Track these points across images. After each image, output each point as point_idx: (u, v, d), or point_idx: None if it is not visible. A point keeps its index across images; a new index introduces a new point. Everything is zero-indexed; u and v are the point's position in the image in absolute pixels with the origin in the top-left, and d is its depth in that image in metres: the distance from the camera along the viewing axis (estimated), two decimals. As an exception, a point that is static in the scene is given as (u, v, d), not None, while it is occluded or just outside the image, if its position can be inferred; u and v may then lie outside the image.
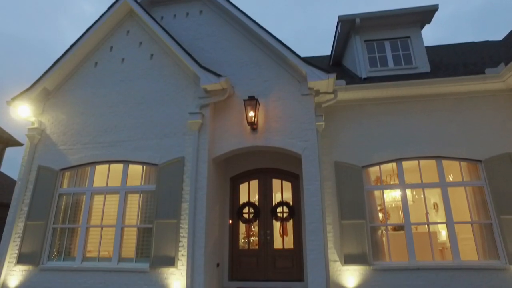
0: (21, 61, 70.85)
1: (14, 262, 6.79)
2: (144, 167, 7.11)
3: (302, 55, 6.89)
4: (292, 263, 7.31)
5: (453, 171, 7.49)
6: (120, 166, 7.19)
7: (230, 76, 7.24)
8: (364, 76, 8.01)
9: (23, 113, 7.68)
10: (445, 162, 6.95)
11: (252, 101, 6.77)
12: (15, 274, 6.73)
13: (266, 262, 7.40)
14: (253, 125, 6.80)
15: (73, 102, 7.83)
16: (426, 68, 7.96)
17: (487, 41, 11.03)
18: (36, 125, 7.67)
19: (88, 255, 6.88)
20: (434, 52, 9.90)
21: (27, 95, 7.66)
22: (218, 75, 6.84)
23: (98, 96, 7.73)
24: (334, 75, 6.62)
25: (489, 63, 7.81)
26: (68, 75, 8.09)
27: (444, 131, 7.01)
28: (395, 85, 7.14)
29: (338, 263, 6.43)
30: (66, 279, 6.53)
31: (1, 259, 6.78)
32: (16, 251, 6.84)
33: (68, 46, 8.02)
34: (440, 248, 8.26)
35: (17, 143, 14.27)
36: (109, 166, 7.29)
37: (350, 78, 8.03)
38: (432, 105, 7.23)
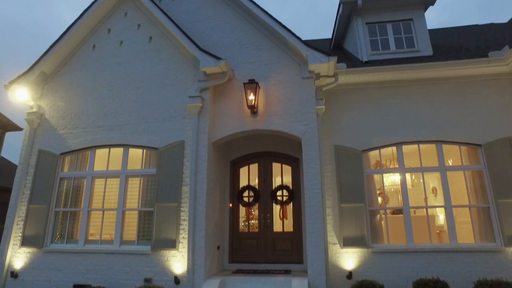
0: (18, 44, 70.00)
1: (19, 244, 6.89)
2: (144, 151, 7.12)
3: (303, 39, 6.79)
4: (292, 245, 7.42)
5: (453, 156, 7.51)
6: (120, 150, 7.20)
7: (230, 59, 7.16)
8: (365, 59, 7.93)
9: (21, 97, 7.62)
10: (445, 147, 6.96)
11: (252, 85, 6.72)
12: (20, 256, 6.84)
13: (266, 245, 7.50)
14: (253, 109, 6.77)
15: (72, 85, 7.77)
16: (429, 51, 7.87)
17: (492, 24, 10.85)
18: (35, 109, 7.64)
19: (90, 238, 6.98)
20: (437, 35, 9.77)
21: (25, 79, 7.59)
22: (218, 58, 6.77)
23: (97, 79, 7.66)
24: (335, 58, 6.55)
25: (493, 46, 7.71)
26: (66, 58, 8.00)
27: (445, 115, 6.99)
28: (396, 69, 7.07)
29: (337, 246, 6.53)
30: (70, 261, 6.64)
31: (6, 242, 6.89)
32: (20, 234, 6.94)
33: (65, 29, 7.91)
34: (438, 231, 8.37)
35: (17, 128, 14.27)
36: (109, 150, 7.30)
37: (351, 61, 7.94)
38: (434, 89, 7.18)
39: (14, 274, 6.70)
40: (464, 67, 6.91)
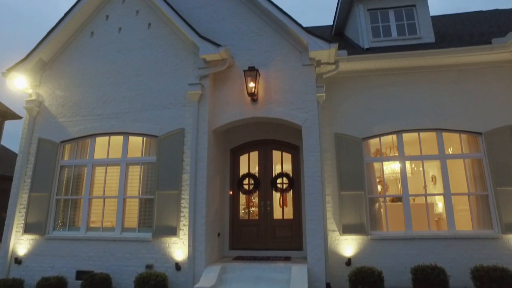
0: (15, 31, 69.15)
1: (21, 231, 6.97)
2: (144, 138, 7.12)
3: (303, 26, 6.70)
4: (292, 232, 7.49)
5: (453, 144, 7.50)
6: (120, 138, 7.19)
7: (230, 46, 7.08)
8: (366, 46, 7.84)
9: (20, 85, 7.57)
10: (445, 135, 6.95)
11: (252, 72, 6.67)
12: (23, 243, 6.92)
13: (266, 232, 7.57)
14: (253, 96, 6.74)
15: (70, 73, 7.71)
16: (431, 38, 7.77)
17: (497, 10, 10.68)
18: (33, 97, 7.60)
19: (92, 225, 7.05)
20: (440, 21, 9.63)
21: (23, 66, 7.53)
22: (218, 45, 6.70)
23: (96, 67, 7.60)
24: (336, 45, 6.48)
25: (497, 32, 7.61)
26: (64, 45, 7.92)
27: (446, 103, 6.96)
28: (397, 56, 7.00)
29: (337, 233, 6.59)
30: (72, 248, 6.71)
31: (8, 229, 6.96)
32: (22, 221, 7.00)
33: (62, 15, 7.79)
34: (437, 219, 8.43)
35: (16, 116, 14.24)
36: (109, 138, 7.30)
37: (352, 48, 7.86)
38: (435, 77, 7.12)
39: (18, 260, 6.80)
40: (466, 54, 6.84)
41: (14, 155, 13.88)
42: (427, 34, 7.81)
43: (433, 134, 6.98)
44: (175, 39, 7.32)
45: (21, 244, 6.92)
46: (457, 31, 8.53)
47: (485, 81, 6.95)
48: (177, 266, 6.17)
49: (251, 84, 6.65)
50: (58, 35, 7.65)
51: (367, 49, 7.72)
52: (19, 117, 13.96)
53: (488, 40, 6.87)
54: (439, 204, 9.04)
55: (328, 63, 6.91)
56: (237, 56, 7.13)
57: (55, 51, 7.88)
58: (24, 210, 7.06)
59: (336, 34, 10.14)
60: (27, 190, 7.16)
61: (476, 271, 5.44)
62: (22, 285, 6.24)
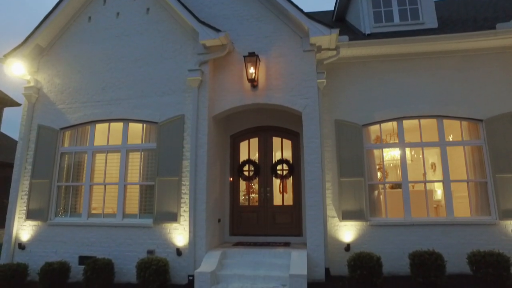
0: (12, 16, 68.13)
1: (24, 218, 7.04)
2: (144, 125, 7.10)
3: (304, 11, 6.59)
4: (291, 219, 7.55)
5: (453, 131, 7.49)
6: (120, 125, 7.17)
7: (230, 32, 6.97)
8: (368, 32, 7.72)
9: (18, 71, 7.50)
10: (445, 122, 6.93)
11: (252, 58, 6.60)
12: (26, 229, 7.00)
13: (266, 218, 7.64)
14: (253, 82, 6.69)
15: (69, 59, 7.63)
16: (434, 24, 7.65)
17: (503, -7, 10.45)
18: (32, 84, 7.54)
19: (93, 211, 7.10)
20: (444, 6, 9.45)
21: (20, 52, 7.43)
22: (217, 30, 6.60)
23: (94, 52, 7.51)
24: (337, 31, 6.40)
25: (502, 17, 7.48)
26: (61, 31, 7.81)
27: (448, 90, 6.91)
28: (399, 42, 6.92)
29: (336, 219, 6.65)
30: (74, 233, 6.79)
31: (11, 215, 7.04)
32: (25, 208, 7.06)
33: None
34: (435, 205, 8.50)
35: (15, 103, 14.19)
36: (109, 125, 7.28)
37: (353, 34, 7.75)
38: (437, 63, 7.05)
39: (21, 246, 6.89)
40: (469, 40, 6.75)
41: (14, 142, 13.89)
42: (430, 20, 7.69)
43: (433, 121, 6.96)
44: (174, 24, 7.21)
45: (24, 230, 7.00)
46: (461, 16, 8.38)
47: (488, 68, 6.88)
48: (178, 252, 6.25)
49: (251, 70, 6.59)
50: (55, 20, 7.53)
51: (368, 34, 7.61)
52: (18, 104, 13.91)
53: (492, 25, 6.76)
54: (438, 191, 9.09)
55: (329, 49, 6.83)
56: (236, 41, 7.04)
57: (52, 36, 7.77)
58: (26, 196, 7.11)
59: (337, 19, 9.97)
60: (28, 177, 7.19)
61: (472, 256, 5.51)
62: (26, 269, 6.34)
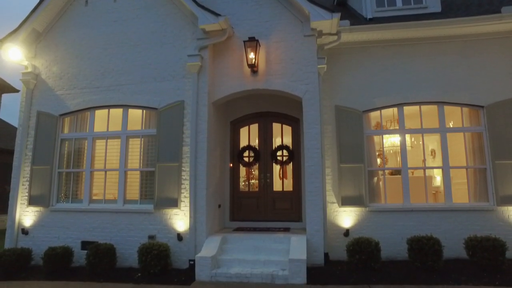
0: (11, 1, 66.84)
1: (26, 204, 7.10)
2: (144, 111, 7.08)
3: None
4: (291, 204, 7.62)
5: (454, 118, 7.46)
6: (119, 111, 7.15)
7: (230, 16, 6.85)
8: (369, 16, 7.58)
9: (14, 56, 7.39)
10: (446, 109, 6.89)
11: (252, 43, 6.52)
12: (28, 214, 7.07)
13: (266, 204, 7.70)
14: (253, 68, 6.63)
15: (66, 44, 7.53)
16: (437, 7, 7.50)
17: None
18: (29, 69, 7.46)
19: (94, 197, 7.16)
20: (447, -10, 9.23)
21: (16, 37, 7.31)
22: (217, 15, 6.49)
23: (92, 37, 7.40)
24: (338, 15, 6.29)
25: (508, 1, 7.32)
26: (58, 15, 7.67)
27: (449, 75, 6.85)
28: (402, 26, 6.81)
29: (336, 205, 6.70)
30: (76, 219, 6.86)
31: (14, 201, 7.10)
32: (26, 194, 7.12)
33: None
34: (434, 192, 8.54)
35: (13, 90, 14.10)
36: (109, 111, 7.25)
37: (355, 18, 7.61)
38: (440, 48, 6.97)
39: (24, 231, 6.98)
40: (474, 24, 6.64)
41: (13, 128, 13.87)
42: (433, 3, 7.54)
43: (434, 108, 6.93)
44: (173, 8, 7.08)
45: (26, 215, 7.07)
46: (465, 0, 8.22)
47: (491, 53, 6.80)
48: (179, 237, 6.32)
49: (251, 55, 6.52)
50: (50, 3, 7.38)
51: (370, 19, 7.48)
52: (17, 90, 13.81)
53: (498, 9, 6.64)
54: (437, 178, 9.13)
55: (330, 34, 6.74)
56: (236, 26, 6.93)
57: (48, 21, 7.64)
58: (28, 183, 7.15)
59: (339, 3, 9.76)
60: (29, 163, 7.21)
61: (469, 241, 5.59)
62: (30, 254, 6.45)
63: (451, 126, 7.48)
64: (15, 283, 5.73)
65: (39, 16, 7.38)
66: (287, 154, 7.71)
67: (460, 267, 5.64)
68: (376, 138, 7.30)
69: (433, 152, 9.74)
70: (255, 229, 7.00)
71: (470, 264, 5.57)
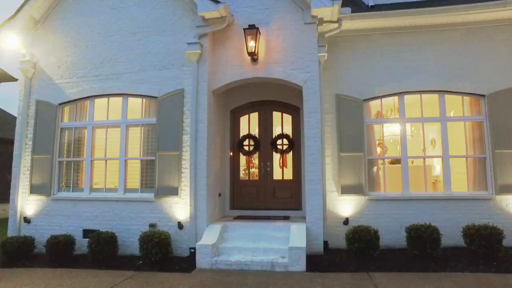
0: (3, -12, 65.69)
1: (27, 192, 7.14)
2: (144, 100, 7.04)
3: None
4: (291, 193, 7.66)
5: (454, 107, 7.42)
6: (119, 100, 7.11)
7: (229, 3, 6.71)
8: (371, 3, 7.44)
9: (11, 44, 7.30)
10: (447, 98, 6.85)
11: (252, 30, 6.44)
12: (30, 203, 7.12)
13: (266, 192, 7.75)
14: (253, 56, 6.57)
15: (64, 32, 7.44)
16: (440, -6, 7.38)
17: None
18: (27, 58, 7.38)
19: (95, 186, 7.19)
20: (450, -24, 9.07)
21: (12, 24, 7.21)
22: (217, 2, 6.39)
23: (90, 25, 7.31)
24: (339, 2, 6.19)
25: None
26: (55, 2, 7.55)
27: (451, 64, 6.79)
28: (404, 14, 6.71)
29: (335, 193, 6.74)
30: (78, 208, 6.91)
31: (15, 190, 7.14)
32: (28, 183, 7.15)
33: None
34: (434, 181, 8.56)
35: (12, 78, 13.99)
36: (108, 100, 7.21)
37: (356, 6, 7.48)
38: (442, 36, 6.88)
39: (27, 220, 7.04)
40: (478, 11, 6.52)
41: (12, 117, 13.84)
42: (436, -10, 7.41)
43: (435, 97, 6.89)
44: (172, -5, 6.97)
45: (28, 204, 7.12)
46: (468, -14, 8.07)
47: (493, 41, 6.72)
48: (180, 225, 6.38)
49: (251, 43, 6.45)
50: (47, -11, 7.27)
51: (372, 6, 7.35)
52: (15, 79, 13.69)
53: (502, -4, 6.53)
54: (437, 167, 9.14)
55: (331, 21, 6.65)
56: (236, 13, 6.83)
57: (45, 8, 7.52)
58: (28, 172, 7.17)
59: (341, -10, 9.61)
60: (29, 153, 7.22)
61: (467, 230, 5.64)
62: (33, 242, 6.51)
63: (452, 115, 7.46)
64: (19, 270, 5.81)
65: (35, 2, 7.26)
66: (287, 143, 7.71)
67: (457, 254, 5.71)
68: (376, 127, 7.29)
69: (433, 142, 9.73)
70: (255, 218, 7.05)
71: (468, 252, 5.63)
